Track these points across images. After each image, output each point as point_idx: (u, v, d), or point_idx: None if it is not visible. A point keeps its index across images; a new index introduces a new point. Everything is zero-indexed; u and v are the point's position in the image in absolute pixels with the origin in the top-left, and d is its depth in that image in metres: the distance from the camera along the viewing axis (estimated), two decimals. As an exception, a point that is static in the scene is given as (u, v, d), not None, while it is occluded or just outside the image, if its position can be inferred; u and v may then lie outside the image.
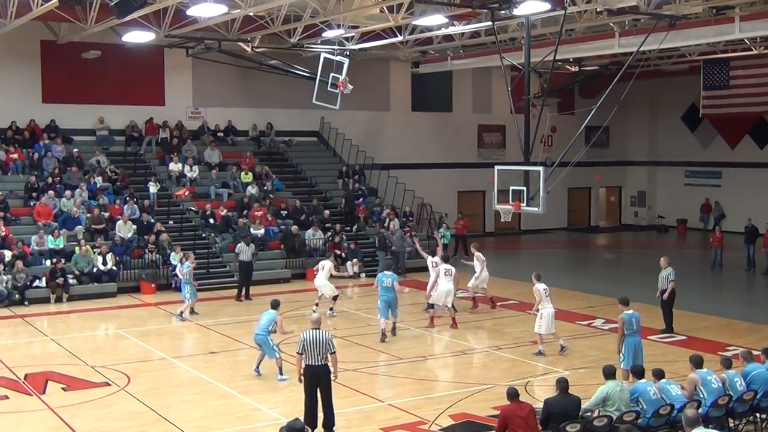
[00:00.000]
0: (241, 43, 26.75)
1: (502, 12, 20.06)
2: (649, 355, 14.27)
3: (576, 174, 26.21)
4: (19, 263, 21.68)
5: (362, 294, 23.39)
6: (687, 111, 37.97)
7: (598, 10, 21.32)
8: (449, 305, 18.42)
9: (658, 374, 11.17)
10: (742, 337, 17.52)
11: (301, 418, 10.64)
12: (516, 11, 19.40)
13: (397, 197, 30.82)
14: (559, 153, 20.87)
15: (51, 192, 24.64)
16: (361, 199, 29.52)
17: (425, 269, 20.46)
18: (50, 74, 27.43)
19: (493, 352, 16.77)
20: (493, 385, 14.04)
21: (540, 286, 16.14)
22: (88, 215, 24.40)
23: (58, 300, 21.82)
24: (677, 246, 35.03)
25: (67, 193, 24.85)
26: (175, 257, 22.72)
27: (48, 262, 22.56)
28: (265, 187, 28.34)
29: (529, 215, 27.17)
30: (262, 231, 25.77)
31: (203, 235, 25.61)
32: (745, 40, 26.99)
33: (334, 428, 11.67)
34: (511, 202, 19.74)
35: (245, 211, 26.48)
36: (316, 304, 20.00)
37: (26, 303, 21.38)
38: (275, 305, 14.70)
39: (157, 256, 23.69)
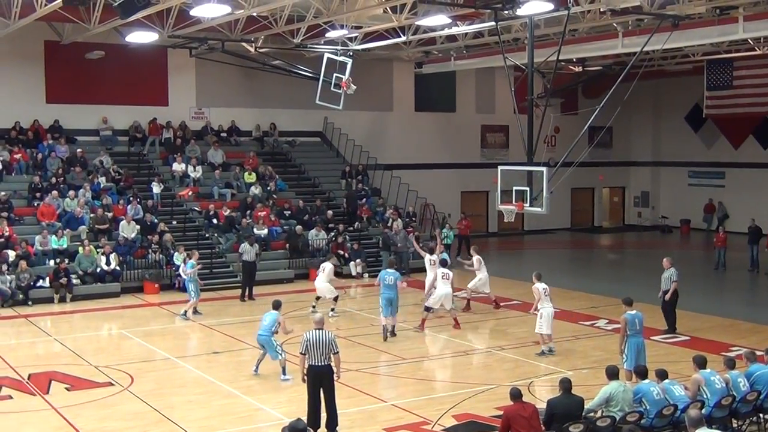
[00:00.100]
0: (244, 44, 26.77)
1: (506, 12, 20.05)
2: (652, 356, 14.27)
3: (579, 174, 26.17)
4: (23, 263, 21.71)
5: (365, 294, 23.39)
6: (690, 111, 37.92)
7: (601, 10, 21.28)
8: (447, 308, 18.40)
9: (662, 375, 11.15)
10: (745, 338, 17.49)
11: (304, 418, 10.65)
12: (519, 11, 19.39)
13: (401, 197, 30.83)
14: (563, 153, 20.86)
15: (55, 192, 24.68)
16: (364, 200, 29.54)
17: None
18: (54, 75, 27.48)
19: (496, 352, 16.76)
20: (497, 386, 14.04)
21: (540, 286, 16.15)
22: (92, 215, 24.45)
23: (62, 300, 21.86)
24: (681, 246, 35.00)
25: (71, 193, 24.87)
26: (178, 257, 22.74)
27: (51, 262, 22.61)
28: (269, 188, 28.35)
29: (532, 215, 27.17)
30: (265, 231, 25.79)
31: (206, 235, 25.63)
32: (749, 40, 26.94)
33: (338, 428, 11.67)
34: (514, 202, 19.72)
35: (248, 212, 26.49)
36: (314, 306, 20.03)
37: (30, 303, 21.41)
38: (277, 306, 14.71)
39: (161, 256, 23.73)
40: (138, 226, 24.38)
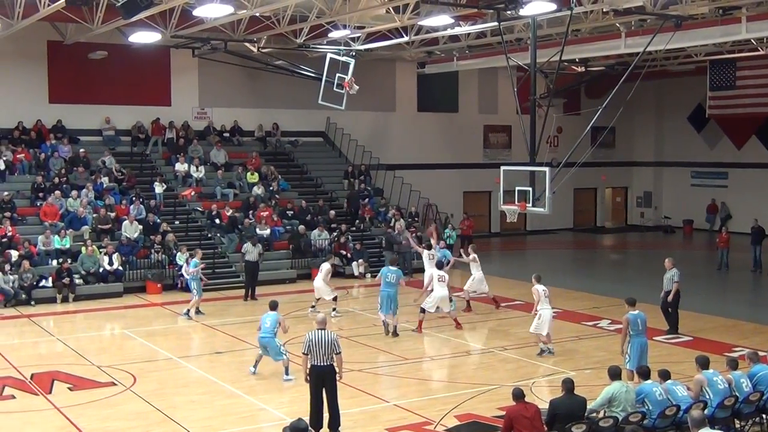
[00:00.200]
0: (247, 44, 26.78)
1: (508, 12, 20.04)
2: (654, 356, 14.26)
3: (582, 174, 26.20)
4: (26, 263, 21.73)
5: (368, 294, 23.37)
6: (693, 111, 37.89)
7: (604, 10, 21.30)
8: (444, 310, 18.37)
9: (664, 375, 11.16)
10: (748, 338, 17.48)
11: (307, 418, 10.66)
12: (522, 12, 19.39)
13: (403, 198, 30.85)
14: (565, 153, 20.84)
15: (57, 192, 24.71)
16: (366, 200, 29.54)
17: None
18: (57, 75, 27.50)
19: (499, 352, 16.76)
20: (499, 386, 14.04)
21: (539, 287, 16.14)
22: (95, 215, 24.47)
23: (65, 300, 21.88)
24: (683, 247, 34.97)
25: (74, 193, 24.90)
26: (180, 257, 22.77)
27: (54, 262, 22.63)
28: (271, 188, 28.37)
29: (534, 216, 27.14)
30: (268, 231, 25.80)
31: (209, 235, 25.65)
32: (752, 41, 26.90)
33: (340, 428, 11.68)
34: (516, 202, 19.71)
35: (251, 212, 26.51)
36: (313, 306, 20.04)
37: (33, 303, 21.44)
38: (274, 306, 14.73)
39: (163, 256, 23.74)
40: (141, 226, 24.40)
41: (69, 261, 22.45)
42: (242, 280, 23.06)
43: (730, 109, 33.39)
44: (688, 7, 20.24)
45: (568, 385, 10.42)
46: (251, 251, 22.28)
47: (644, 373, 11.16)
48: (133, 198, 25.52)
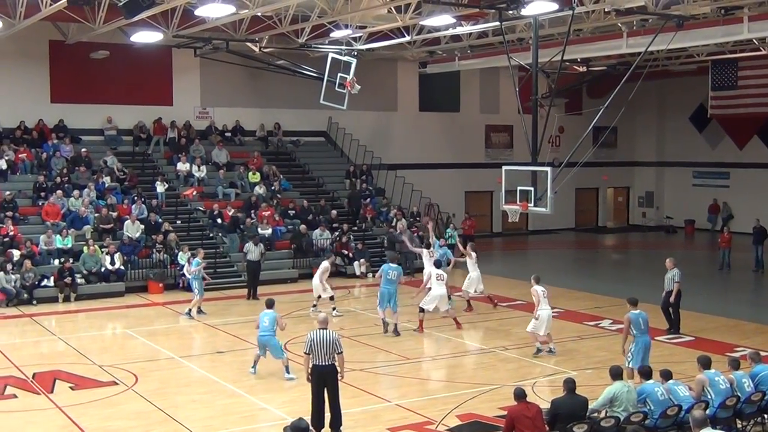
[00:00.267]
0: (248, 44, 26.80)
1: (510, 12, 20.04)
2: (656, 356, 14.25)
3: (584, 174, 26.18)
4: (28, 263, 21.75)
5: (369, 294, 23.35)
6: (695, 111, 37.86)
7: (606, 10, 21.28)
8: (442, 309, 18.36)
9: (666, 375, 11.15)
10: (750, 338, 17.47)
11: (308, 418, 10.66)
12: (524, 11, 19.38)
13: (405, 197, 30.84)
14: (567, 153, 20.84)
15: (59, 192, 24.74)
16: (368, 199, 29.54)
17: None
18: (59, 74, 27.52)
19: (500, 352, 16.75)
20: (500, 386, 14.04)
21: (538, 288, 16.13)
22: (96, 215, 24.48)
23: (66, 299, 21.90)
24: (685, 247, 34.93)
25: (76, 192, 24.91)
26: (182, 257, 22.78)
27: (56, 262, 22.65)
28: (273, 187, 28.38)
29: (536, 216, 27.19)
30: (270, 231, 25.80)
31: (211, 235, 25.66)
32: (754, 41, 26.89)
33: (342, 428, 11.67)
34: (518, 202, 19.70)
35: (253, 211, 26.51)
36: (314, 306, 20.05)
37: (34, 302, 21.46)
38: (271, 304, 14.78)
39: (165, 255, 23.74)
40: (142, 226, 24.42)
41: (71, 260, 22.47)
42: (244, 279, 23.08)
43: (732, 109, 33.37)
44: (690, 7, 20.22)
45: (570, 384, 10.42)
46: (253, 251, 22.29)
47: (646, 373, 11.17)
48: (135, 197, 25.54)
